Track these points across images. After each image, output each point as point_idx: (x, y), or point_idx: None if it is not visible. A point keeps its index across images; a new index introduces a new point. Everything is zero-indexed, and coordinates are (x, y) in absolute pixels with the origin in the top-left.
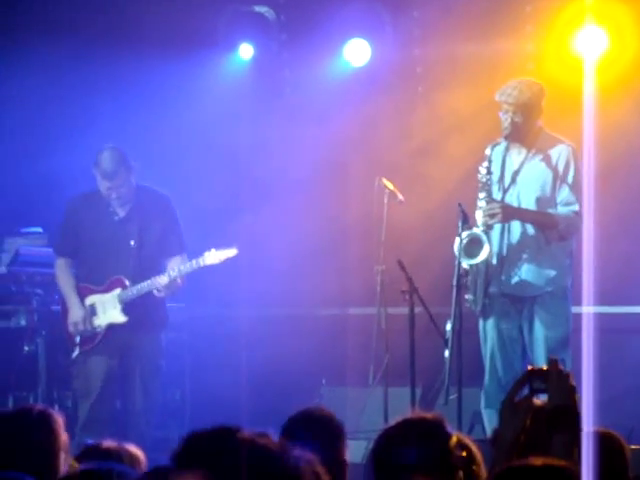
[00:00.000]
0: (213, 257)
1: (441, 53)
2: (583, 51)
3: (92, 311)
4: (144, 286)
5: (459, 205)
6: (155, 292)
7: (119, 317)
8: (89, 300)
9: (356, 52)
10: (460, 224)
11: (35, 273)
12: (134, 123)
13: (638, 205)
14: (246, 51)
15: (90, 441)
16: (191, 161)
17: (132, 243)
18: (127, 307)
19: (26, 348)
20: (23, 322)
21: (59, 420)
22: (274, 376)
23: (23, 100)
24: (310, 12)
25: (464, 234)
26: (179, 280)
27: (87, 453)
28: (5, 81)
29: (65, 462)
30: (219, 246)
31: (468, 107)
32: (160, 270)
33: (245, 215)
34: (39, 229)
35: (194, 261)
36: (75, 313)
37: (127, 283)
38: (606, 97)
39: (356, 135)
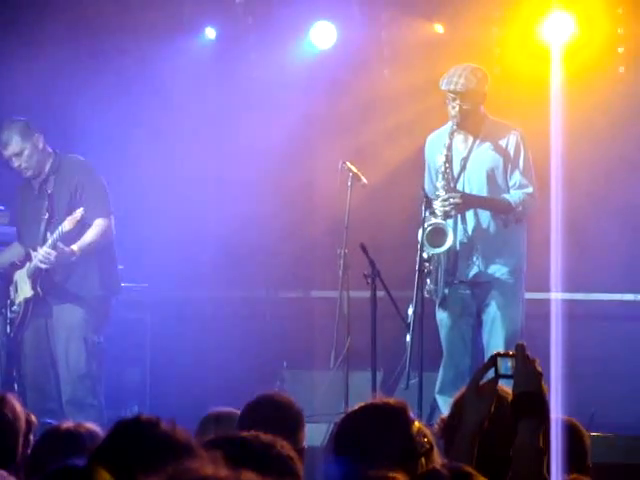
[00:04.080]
0: (68, 222)
1: (408, 37)
2: (550, 37)
3: (15, 288)
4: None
5: (422, 190)
6: (40, 264)
7: (28, 291)
8: (15, 277)
9: (322, 35)
10: (423, 209)
11: None
12: (96, 105)
13: (603, 191)
14: (211, 33)
15: (49, 421)
16: (157, 144)
17: (45, 216)
18: (35, 280)
19: None
20: None
21: (15, 403)
22: (236, 358)
23: None
24: None
25: (427, 224)
26: (62, 246)
27: (48, 435)
28: None
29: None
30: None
31: (434, 91)
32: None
33: (209, 196)
34: (0, 207)
35: (59, 228)
36: None
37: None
38: (574, 84)
39: (322, 118)
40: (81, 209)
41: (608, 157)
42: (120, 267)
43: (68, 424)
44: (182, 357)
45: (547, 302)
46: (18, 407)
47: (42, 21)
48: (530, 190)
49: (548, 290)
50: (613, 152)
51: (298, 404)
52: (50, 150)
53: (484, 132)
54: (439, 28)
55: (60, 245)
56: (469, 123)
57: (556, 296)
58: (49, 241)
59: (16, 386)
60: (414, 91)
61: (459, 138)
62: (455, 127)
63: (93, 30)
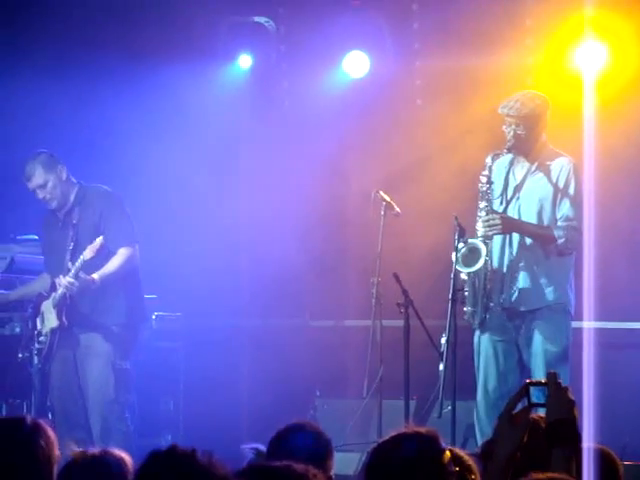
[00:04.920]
0: (89, 251)
1: (440, 66)
2: (582, 65)
3: (41, 318)
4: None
5: (455, 218)
6: (64, 292)
7: (54, 321)
8: (42, 308)
9: (355, 64)
10: (456, 237)
11: (30, 280)
12: (131, 132)
13: (636, 220)
14: (245, 61)
15: (76, 448)
16: (189, 169)
17: (70, 246)
18: (60, 310)
19: (20, 355)
20: (17, 329)
21: (49, 431)
22: (269, 386)
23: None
24: (310, 23)
25: (462, 245)
26: (83, 276)
27: (75, 462)
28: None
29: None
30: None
31: (467, 120)
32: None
33: (242, 225)
34: (35, 236)
35: (80, 257)
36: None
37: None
38: (606, 112)
39: (354, 147)
40: (100, 237)
41: None
42: (154, 297)
43: (95, 451)
44: (215, 386)
45: (579, 331)
46: (52, 435)
47: (66, 50)
48: (576, 224)
49: (580, 319)
50: None
51: (328, 433)
52: (75, 181)
53: (540, 160)
54: (471, 57)
55: (81, 274)
56: (526, 149)
57: (589, 325)
58: (72, 270)
59: (50, 415)
60: (447, 120)
61: (518, 165)
62: (506, 151)
63: (125, 58)
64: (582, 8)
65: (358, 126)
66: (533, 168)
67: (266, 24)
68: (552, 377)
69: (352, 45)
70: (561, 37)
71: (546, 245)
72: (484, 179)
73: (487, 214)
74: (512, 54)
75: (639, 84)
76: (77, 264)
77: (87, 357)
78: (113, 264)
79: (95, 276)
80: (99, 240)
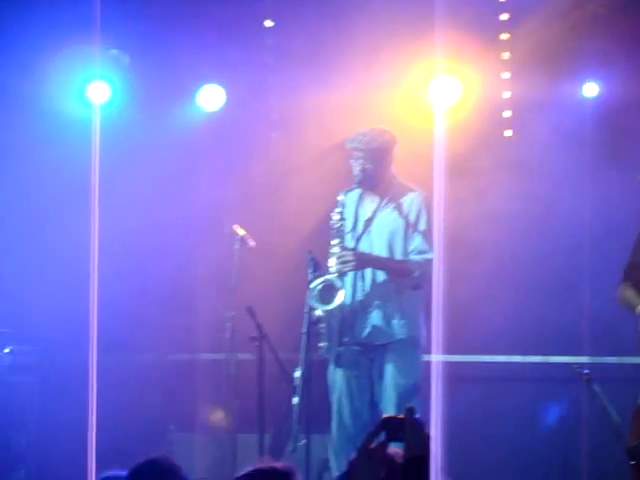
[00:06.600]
0: None
1: (294, 100)
2: (436, 101)
3: None
4: None
5: (309, 253)
6: None
7: None
8: None
9: (210, 97)
10: (310, 272)
11: None
12: None
13: (488, 251)
14: (97, 96)
15: None
16: (35, 207)
17: None
18: None
19: None
20: None
21: None
22: (123, 421)
23: None
24: (164, 56)
25: (318, 280)
26: None
27: None
28: None
29: None
30: None
31: (324, 154)
32: None
33: (98, 261)
34: None
35: None
36: None
37: None
38: (462, 147)
39: (208, 181)
40: None
41: (494, 217)
42: (6, 330)
43: None
44: (69, 421)
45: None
46: None
47: None
48: (430, 256)
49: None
50: (499, 212)
51: (183, 467)
52: None
53: (390, 194)
54: (328, 92)
55: None
56: (374, 184)
57: (437, 358)
58: None
59: None
60: (302, 155)
61: (367, 199)
62: (356, 186)
63: None
64: (432, 50)
65: (212, 160)
66: (383, 203)
67: (119, 57)
68: (409, 412)
69: (207, 78)
70: (417, 72)
71: (400, 277)
72: (337, 216)
73: (341, 250)
74: (365, 89)
75: (492, 119)
76: None
77: None
78: None
79: None
80: None
